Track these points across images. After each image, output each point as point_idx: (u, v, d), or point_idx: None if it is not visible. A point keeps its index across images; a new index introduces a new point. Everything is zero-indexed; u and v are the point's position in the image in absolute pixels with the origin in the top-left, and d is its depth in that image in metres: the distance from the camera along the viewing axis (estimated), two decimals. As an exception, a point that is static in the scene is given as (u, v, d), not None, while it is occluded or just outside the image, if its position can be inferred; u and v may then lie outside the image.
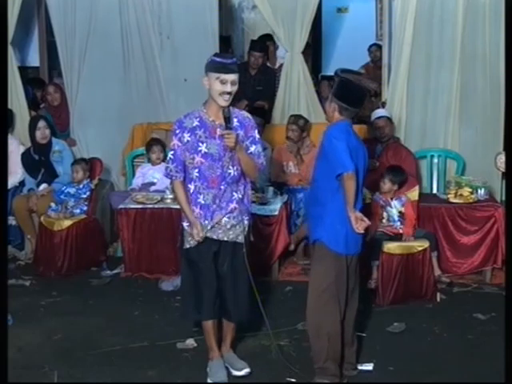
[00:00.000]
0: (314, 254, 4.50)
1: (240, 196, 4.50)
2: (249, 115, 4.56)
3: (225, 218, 4.46)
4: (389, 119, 6.80)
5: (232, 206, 4.47)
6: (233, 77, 4.31)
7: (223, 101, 4.33)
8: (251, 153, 4.47)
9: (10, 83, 7.22)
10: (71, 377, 4.66)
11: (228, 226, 4.48)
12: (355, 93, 4.46)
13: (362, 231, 4.35)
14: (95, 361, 4.87)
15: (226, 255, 4.52)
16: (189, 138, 4.40)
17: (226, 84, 4.30)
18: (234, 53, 9.64)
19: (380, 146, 6.75)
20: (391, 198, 6.10)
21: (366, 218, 4.37)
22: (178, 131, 4.43)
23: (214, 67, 4.32)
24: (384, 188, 6.10)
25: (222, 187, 4.44)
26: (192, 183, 4.47)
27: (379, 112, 6.91)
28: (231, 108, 4.44)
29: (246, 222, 4.54)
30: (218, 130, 4.38)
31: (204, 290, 4.52)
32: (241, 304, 4.58)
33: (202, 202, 4.45)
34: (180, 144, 4.42)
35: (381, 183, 6.11)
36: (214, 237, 4.48)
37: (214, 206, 4.45)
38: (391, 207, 6.09)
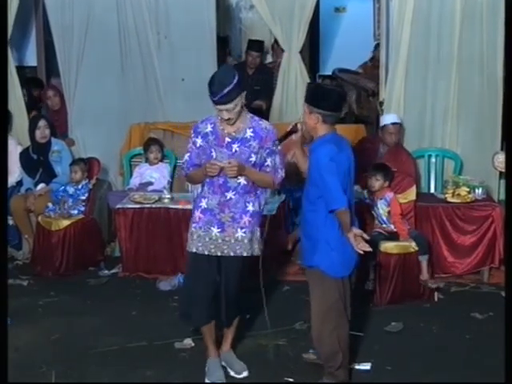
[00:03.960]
0: (312, 277, 4.37)
1: (254, 208, 4.47)
2: (268, 126, 4.48)
3: (240, 233, 4.44)
4: (401, 126, 6.69)
5: (246, 219, 4.45)
6: (226, 107, 4.27)
7: (224, 121, 4.37)
8: (268, 165, 4.45)
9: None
10: (69, 377, 4.66)
11: (245, 241, 4.45)
12: (333, 96, 4.22)
13: (363, 251, 4.18)
14: (93, 361, 4.87)
15: (228, 266, 4.48)
16: (201, 143, 4.44)
17: (221, 112, 4.31)
18: (231, 53, 9.63)
19: (382, 149, 6.69)
20: (378, 198, 5.94)
21: (365, 234, 4.25)
22: (193, 135, 4.50)
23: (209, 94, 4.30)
24: (375, 186, 5.92)
25: (230, 195, 4.41)
26: (201, 186, 4.52)
27: (393, 118, 6.67)
28: (253, 117, 4.44)
29: (258, 234, 4.53)
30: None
31: (198, 295, 4.48)
32: (232, 308, 4.54)
33: (205, 205, 4.46)
34: (194, 147, 4.49)
35: (371, 181, 5.92)
36: (219, 253, 4.44)
37: (223, 215, 4.42)
38: (377, 208, 5.98)
